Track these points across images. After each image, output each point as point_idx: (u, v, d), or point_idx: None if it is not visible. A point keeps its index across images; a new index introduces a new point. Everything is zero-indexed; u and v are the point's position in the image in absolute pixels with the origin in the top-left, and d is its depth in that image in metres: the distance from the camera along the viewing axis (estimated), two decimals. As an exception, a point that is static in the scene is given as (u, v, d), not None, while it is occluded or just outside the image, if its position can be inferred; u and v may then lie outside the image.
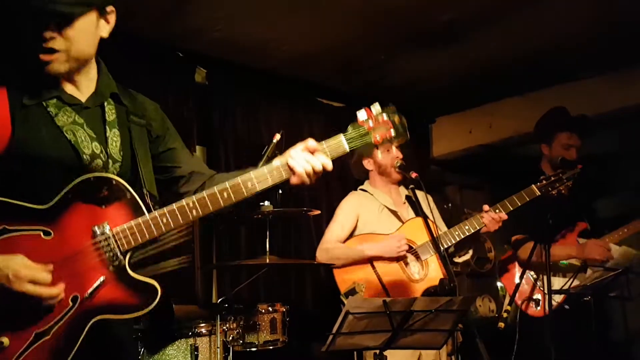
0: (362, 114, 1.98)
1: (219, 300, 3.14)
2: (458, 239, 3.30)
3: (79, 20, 1.78)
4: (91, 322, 1.70)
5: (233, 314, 3.11)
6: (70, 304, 1.70)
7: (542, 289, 3.63)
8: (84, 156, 1.81)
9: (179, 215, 1.79)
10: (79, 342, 1.68)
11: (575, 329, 3.50)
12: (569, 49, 4.61)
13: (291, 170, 1.87)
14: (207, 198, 1.81)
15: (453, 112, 6.10)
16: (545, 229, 3.36)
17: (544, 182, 3.42)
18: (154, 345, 2.81)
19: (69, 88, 1.88)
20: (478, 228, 3.31)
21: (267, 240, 2.96)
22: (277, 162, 1.89)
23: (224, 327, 3.00)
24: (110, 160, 1.87)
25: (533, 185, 3.41)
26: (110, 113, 1.93)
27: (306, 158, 1.87)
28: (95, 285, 1.72)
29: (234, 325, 3.07)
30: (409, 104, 5.74)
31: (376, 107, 2.00)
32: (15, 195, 1.72)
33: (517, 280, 3.63)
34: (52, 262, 1.69)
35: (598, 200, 4.20)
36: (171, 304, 2.91)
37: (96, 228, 1.75)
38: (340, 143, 1.93)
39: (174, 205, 1.80)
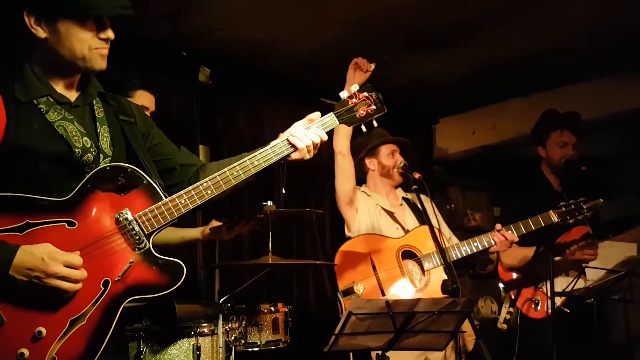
0: (344, 94, 2.19)
1: (222, 300, 3.14)
2: (465, 255, 3.28)
3: None
4: (124, 304, 1.75)
5: (235, 313, 3.11)
6: (102, 288, 1.74)
7: (541, 290, 3.62)
8: (76, 150, 1.85)
9: (195, 196, 1.89)
10: (113, 326, 1.71)
11: (577, 331, 3.49)
12: (572, 50, 4.60)
13: (292, 147, 2.03)
14: (218, 177, 1.93)
15: (456, 113, 6.09)
16: (547, 231, 3.35)
17: (563, 209, 3.37)
18: (156, 345, 2.81)
19: (59, 87, 1.92)
20: (487, 247, 3.29)
21: (270, 240, 2.95)
22: (278, 140, 2.04)
23: (227, 327, 3.00)
24: (101, 155, 1.90)
25: (551, 211, 3.36)
26: (99, 111, 1.98)
27: (305, 134, 2.04)
28: (125, 268, 1.77)
29: (237, 325, 3.07)
30: (412, 105, 5.75)
31: (355, 87, 2.19)
32: (11, 189, 1.74)
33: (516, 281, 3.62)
34: (80, 249, 1.74)
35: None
36: (173, 303, 2.90)
37: (119, 215, 1.81)
38: (332, 118, 2.15)
39: (190, 188, 1.90)
